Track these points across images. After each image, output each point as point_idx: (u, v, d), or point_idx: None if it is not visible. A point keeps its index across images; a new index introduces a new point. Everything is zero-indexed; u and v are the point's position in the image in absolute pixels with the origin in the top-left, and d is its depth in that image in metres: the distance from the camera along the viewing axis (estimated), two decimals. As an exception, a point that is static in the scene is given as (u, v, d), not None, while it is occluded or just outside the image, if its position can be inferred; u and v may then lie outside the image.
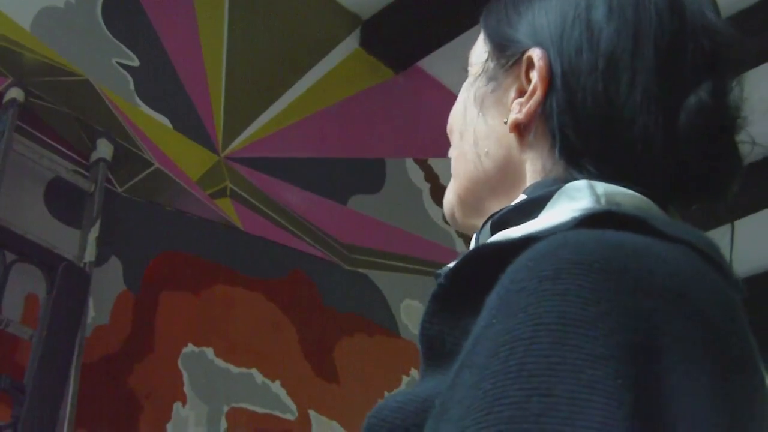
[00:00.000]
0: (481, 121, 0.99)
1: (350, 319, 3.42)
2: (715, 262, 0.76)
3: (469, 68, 1.06)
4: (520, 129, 0.95)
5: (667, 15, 0.92)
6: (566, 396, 0.61)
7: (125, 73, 3.11)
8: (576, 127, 0.90)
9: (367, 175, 3.75)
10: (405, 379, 3.46)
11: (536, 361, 0.63)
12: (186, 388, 2.89)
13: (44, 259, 2.58)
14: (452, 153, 1.05)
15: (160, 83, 3.20)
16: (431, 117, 3.85)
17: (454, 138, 1.05)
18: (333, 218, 3.54)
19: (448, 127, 1.07)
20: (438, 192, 3.90)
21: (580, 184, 0.84)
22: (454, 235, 3.91)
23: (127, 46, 3.14)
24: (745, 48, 0.94)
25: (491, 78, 0.99)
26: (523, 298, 0.67)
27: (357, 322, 3.44)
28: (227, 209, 3.23)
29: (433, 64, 3.91)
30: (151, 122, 3.12)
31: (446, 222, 1.06)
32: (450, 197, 1.04)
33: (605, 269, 0.67)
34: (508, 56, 0.97)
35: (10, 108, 2.73)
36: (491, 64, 1.00)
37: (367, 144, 3.79)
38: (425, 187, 3.89)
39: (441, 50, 3.78)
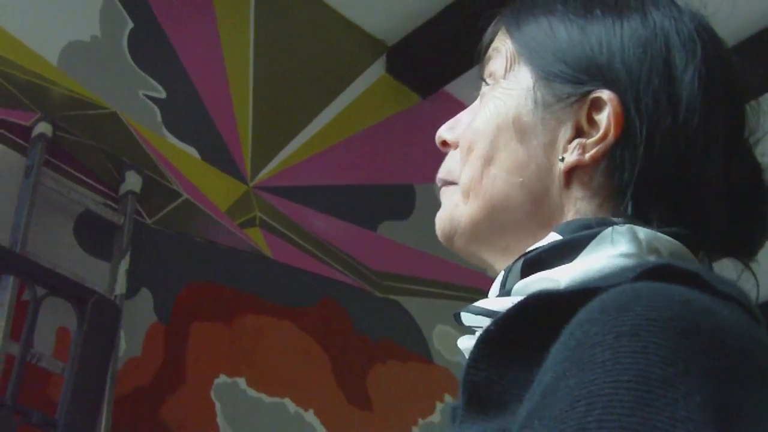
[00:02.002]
0: (520, 148, 0.93)
1: (382, 346, 3.41)
2: (757, 317, 0.76)
3: (489, 78, 1.00)
4: (573, 169, 0.91)
5: (729, 73, 0.92)
6: None
7: (152, 105, 3.12)
8: (648, 181, 0.87)
9: (397, 201, 3.74)
10: (439, 405, 3.44)
11: (617, 419, 0.62)
12: (219, 419, 2.88)
13: (75, 292, 2.58)
14: (465, 170, 0.98)
15: (187, 114, 3.21)
16: (459, 141, 3.84)
17: (474, 157, 0.97)
18: (363, 245, 3.53)
19: (467, 142, 0.98)
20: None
21: (623, 229, 0.83)
22: (485, 260, 3.89)
23: (153, 78, 3.15)
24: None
25: (543, 108, 0.92)
26: (599, 352, 0.65)
27: (389, 349, 3.42)
28: (257, 239, 3.23)
29: (459, 88, 3.90)
30: (179, 153, 3.13)
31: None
32: (456, 216, 0.98)
33: (680, 327, 0.66)
34: (567, 92, 0.91)
35: (39, 143, 2.75)
36: (542, 93, 0.93)
37: (396, 170, 3.78)
38: (455, 212, 3.87)
39: (467, 74, 3.77)
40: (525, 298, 0.78)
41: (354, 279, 3.44)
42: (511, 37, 0.98)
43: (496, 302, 0.85)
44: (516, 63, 0.97)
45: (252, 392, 2.98)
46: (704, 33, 0.93)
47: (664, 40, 0.91)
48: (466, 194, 0.97)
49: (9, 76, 2.84)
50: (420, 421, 3.37)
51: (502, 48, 0.99)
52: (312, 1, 3.69)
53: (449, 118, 1.06)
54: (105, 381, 2.54)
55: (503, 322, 0.77)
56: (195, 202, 3.11)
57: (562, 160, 0.91)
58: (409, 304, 3.57)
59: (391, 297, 3.53)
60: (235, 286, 3.10)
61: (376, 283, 3.50)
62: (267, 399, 3.01)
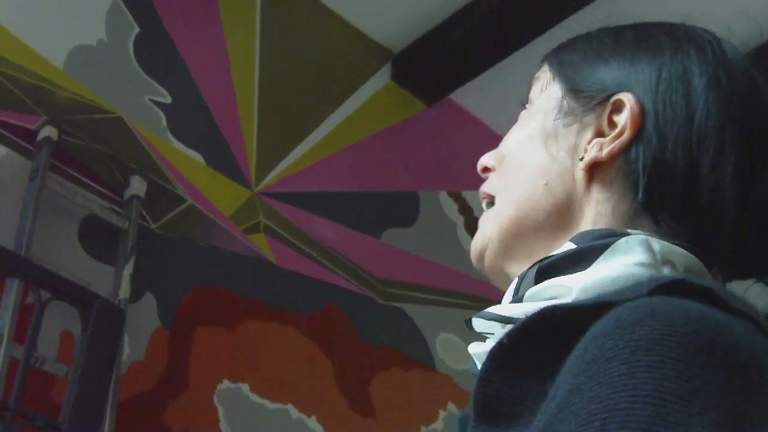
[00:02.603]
0: (545, 153, 0.97)
1: (386, 354, 3.41)
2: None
3: (528, 105, 1.05)
4: (593, 169, 0.94)
5: (754, 94, 0.95)
6: None
7: (158, 109, 3.13)
8: (660, 176, 0.90)
9: (401, 209, 3.74)
10: (442, 413, 3.43)
11: None
12: (222, 425, 2.88)
13: (79, 296, 2.59)
14: (497, 185, 1.02)
15: (192, 119, 3.21)
16: (464, 149, 3.84)
17: (505, 168, 1.02)
18: (367, 252, 3.53)
19: (498, 157, 1.03)
20: (472, 224, 3.88)
21: (637, 239, 0.84)
22: (489, 268, 3.88)
23: (159, 83, 3.16)
24: None
25: (568, 113, 0.98)
26: (615, 367, 0.66)
27: (392, 357, 3.42)
28: (261, 244, 3.23)
29: (464, 96, 3.90)
30: (184, 158, 3.13)
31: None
32: (488, 230, 1.01)
33: (696, 342, 0.67)
34: (590, 96, 0.97)
35: (44, 146, 2.75)
36: (569, 101, 0.98)
37: (401, 177, 3.78)
38: (459, 220, 3.88)
39: (472, 82, 3.78)
40: (538, 311, 0.78)
41: (357, 286, 3.44)
42: (549, 63, 1.04)
43: (508, 308, 0.87)
44: (551, 83, 1.02)
45: (255, 398, 2.98)
46: (723, 45, 0.97)
47: (686, 52, 0.95)
48: (498, 209, 1.00)
49: (15, 80, 2.85)
50: (423, 428, 3.36)
51: (541, 75, 1.05)
52: (318, 8, 3.70)
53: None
54: (108, 385, 2.54)
55: (516, 335, 0.78)
56: (199, 207, 3.11)
57: (582, 159, 0.95)
58: (413, 311, 3.56)
59: (395, 304, 3.53)
60: (238, 292, 3.10)
61: (380, 290, 3.50)
62: (270, 405, 3.00)
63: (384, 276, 3.53)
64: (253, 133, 3.36)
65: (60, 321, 2.62)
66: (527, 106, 1.05)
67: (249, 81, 3.43)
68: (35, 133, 2.79)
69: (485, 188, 1.05)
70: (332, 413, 3.15)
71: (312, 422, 3.08)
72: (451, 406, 3.46)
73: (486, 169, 1.06)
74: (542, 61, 1.06)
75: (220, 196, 3.18)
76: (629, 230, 0.88)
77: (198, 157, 3.17)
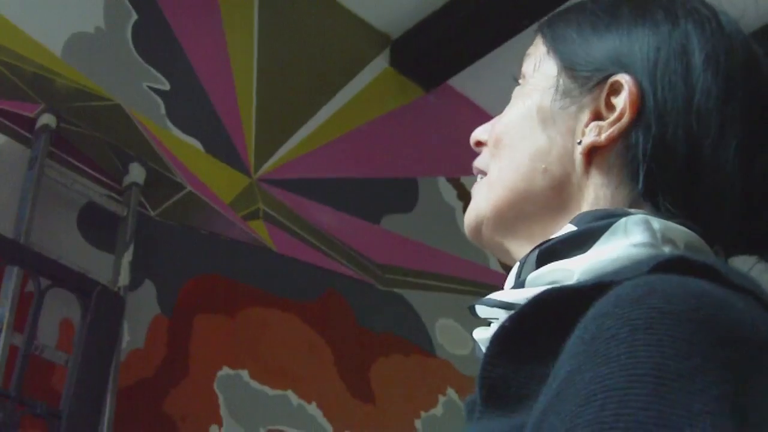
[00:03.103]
0: (542, 136, 0.96)
1: (385, 339, 3.41)
2: None
3: (521, 79, 1.03)
4: (591, 153, 0.93)
5: (753, 68, 0.94)
6: None
7: (156, 97, 3.12)
8: (661, 162, 0.89)
9: (400, 195, 3.74)
10: (441, 398, 3.44)
11: (633, 413, 0.61)
12: (222, 411, 2.88)
13: (78, 284, 2.59)
14: (493, 162, 1.00)
15: (191, 107, 3.21)
16: (463, 135, 3.82)
17: (500, 148, 1.00)
18: (366, 238, 3.53)
19: (494, 136, 1.01)
20: (471, 210, 3.87)
21: (637, 219, 0.84)
22: (488, 253, 3.89)
23: (157, 70, 3.15)
24: None
25: (564, 95, 0.96)
26: (614, 346, 0.65)
27: (392, 342, 3.42)
28: (260, 231, 3.23)
29: (463, 81, 3.90)
30: (182, 146, 3.13)
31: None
32: (482, 207, 1.00)
33: (695, 319, 0.66)
34: (587, 77, 0.95)
35: (43, 134, 2.75)
36: (565, 81, 0.97)
37: (399, 163, 3.78)
38: (458, 206, 3.87)
39: (471, 68, 3.77)
40: (539, 294, 0.78)
41: (357, 272, 3.44)
42: (543, 36, 1.02)
43: (510, 294, 0.86)
44: (545, 59, 1.00)
45: (255, 384, 2.98)
46: (724, 23, 0.96)
47: (683, 29, 0.94)
48: (492, 184, 0.99)
49: (13, 68, 2.85)
50: (422, 414, 3.37)
51: (534, 51, 1.03)
52: (316, -6, 3.69)
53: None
54: (109, 372, 2.54)
55: (518, 318, 0.78)
56: (198, 194, 3.11)
57: (580, 143, 0.94)
58: (412, 297, 3.57)
59: (394, 290, 3.53)
60: (238, 279, 3.10)
61: (379, 276, 3.50)
62: (270, 391, 3.01)
63: (383, 262, 3.54)
64: (251, 120, 3.36)
65: (59, 309, 2.62)
66: (520, 81, 1.03)
67: (247, 68, 3.43)
68: (34, 121, 2.79)
69: (478, 164, 1.04)
70: (332, 399, 3.16)
71: (312, 408, 3.09)
72: (451, 392, 3.46)
73: (479, 143, 1.05)
74: (535, 32, 1.04)
75: (219, 183, 3.18)
76: (629, 209, 0.87)
77: (197, 144, 3.17)
